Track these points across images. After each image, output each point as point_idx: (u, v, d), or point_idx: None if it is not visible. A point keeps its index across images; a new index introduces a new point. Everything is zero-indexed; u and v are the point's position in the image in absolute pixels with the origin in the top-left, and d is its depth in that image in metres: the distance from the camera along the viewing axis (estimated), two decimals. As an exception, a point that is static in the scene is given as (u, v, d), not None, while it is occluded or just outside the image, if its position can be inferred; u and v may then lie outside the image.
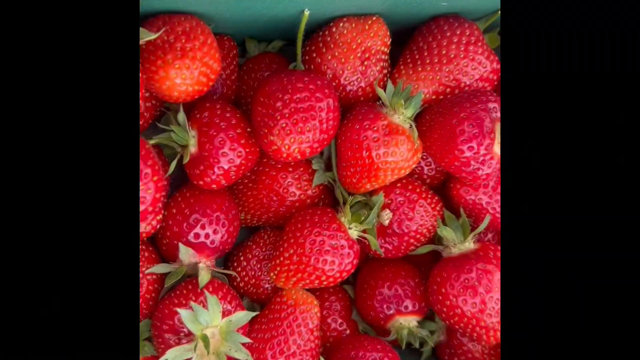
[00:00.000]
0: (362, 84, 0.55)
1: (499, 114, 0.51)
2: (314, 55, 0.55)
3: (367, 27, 0.54)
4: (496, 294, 0.52)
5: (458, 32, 0.55)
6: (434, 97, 0.56)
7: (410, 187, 0.56)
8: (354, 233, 0.54)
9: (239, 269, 0.59)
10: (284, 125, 0.49)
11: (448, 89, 0.55)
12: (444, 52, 0.54)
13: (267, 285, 0.58)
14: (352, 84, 0.54)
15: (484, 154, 0.51)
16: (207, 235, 0.52)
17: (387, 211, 0.55)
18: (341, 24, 0.54)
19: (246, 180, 0.58)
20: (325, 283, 0.54)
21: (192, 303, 0.49)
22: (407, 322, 0.57)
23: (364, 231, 0.54)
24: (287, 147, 0.50)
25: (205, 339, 0.47)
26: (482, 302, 0.52)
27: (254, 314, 0.52)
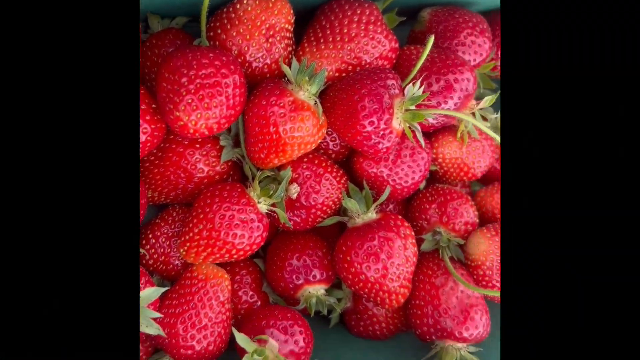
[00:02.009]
0: (268, 61, 0.56)
1: (397, 91, 0.55)
2: (219, 31, 0.55)
3: (270, 5, 0.55)
4: (397, 260, 0.56)
5: (358, 12, 0.57)
6: (336, 74, 0.58)
7: (316, 161, 0.58)
8: (263, 207, 0.55)
9: (148, 246, 0.59)
10: (190, 100, 0.49)
11: (350, 67, 0.58)
12: (345, 30, 0.57)
13: (177, 262, 0.59)
14: (257, 60, 0.55)
15: (383, 128, 0.54)
16: (113, 214, 0.52)
17: (295, 185, 0.57)
18: (245, 1, 0.54)
19: (152, 157, 0.57)
20: (235, 257, 0.55)
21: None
22: (315, 290, 0.60)
23: (273, 205, 0.56)
24: (193, 122, 0.50)
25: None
26: (384, 267, 0.55)
27: (163, 289, 0.52)
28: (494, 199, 0.67)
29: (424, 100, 0.56)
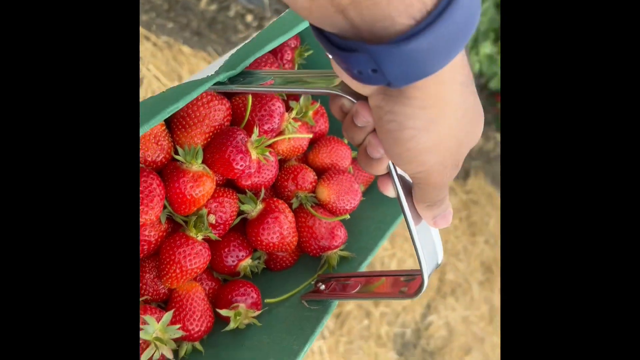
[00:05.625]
0: (164, 156, 0.86)
1: (246, 138, 0.88)
2: None
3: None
4: (285, 225, 0.94)
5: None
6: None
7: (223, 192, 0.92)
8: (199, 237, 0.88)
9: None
10: None
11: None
12: (199, 114, 0.88)
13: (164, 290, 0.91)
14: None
15: (249, 164, 0.88)
16: None
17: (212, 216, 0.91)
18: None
19: None
20: (195, 274, 0.89)
21: None
22: (247, 263, 0.97)
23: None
24: None
25: None
26: (281, 233, 0.94)
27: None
28: (317, 156, 1.06)
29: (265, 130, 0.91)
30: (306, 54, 1.09)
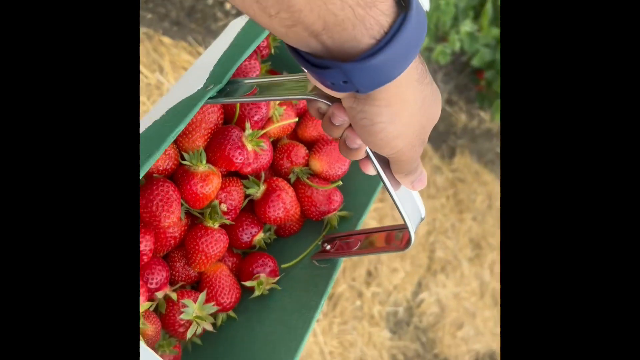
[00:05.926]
0: (173, 162, 0.97)
1: (240, 133, 1.00)
2: None
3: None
4: (287, 200, 1.07)
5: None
6: (206, 142, 1.01)
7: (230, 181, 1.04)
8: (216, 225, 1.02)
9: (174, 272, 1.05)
10: None
11: (209, 134, 1.01)
12: (196, 120, 0.98)
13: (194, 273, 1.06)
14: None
15: (246, 156, 1.00)
16: None
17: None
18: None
19: None
20: (217, 258, 1.03)
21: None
22: (260, 236, 1.11)
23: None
24: None
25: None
26: (285, 208, 1.07)
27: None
28: (305, 131, 1.18)
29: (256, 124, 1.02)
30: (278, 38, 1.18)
